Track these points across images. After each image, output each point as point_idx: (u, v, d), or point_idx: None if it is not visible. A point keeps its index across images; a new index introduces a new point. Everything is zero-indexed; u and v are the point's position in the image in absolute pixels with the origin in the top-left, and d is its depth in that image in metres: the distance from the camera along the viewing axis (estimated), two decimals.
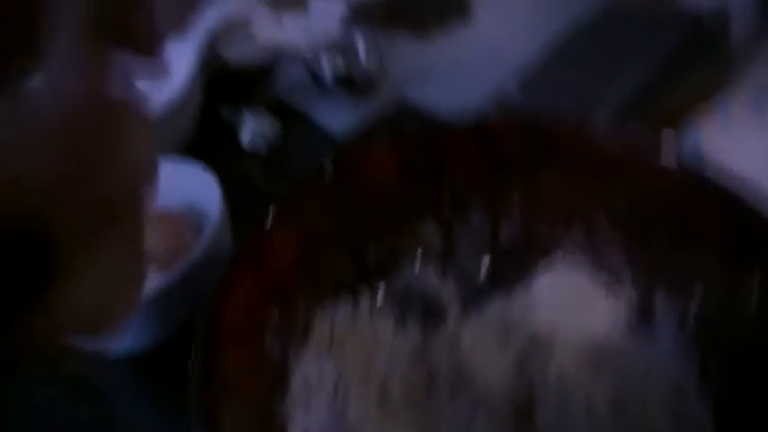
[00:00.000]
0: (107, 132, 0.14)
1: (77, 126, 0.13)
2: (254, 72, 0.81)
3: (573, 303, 0.39)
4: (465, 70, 0.73)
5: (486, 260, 0.44)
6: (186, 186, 0.53)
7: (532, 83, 0.66)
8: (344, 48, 0.71)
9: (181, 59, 0.69)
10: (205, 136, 0.71)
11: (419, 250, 0.42)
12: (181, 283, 0.44)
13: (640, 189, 0.36)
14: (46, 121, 0.12)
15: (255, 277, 0.34)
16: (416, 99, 0.69)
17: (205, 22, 0.70)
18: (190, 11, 0.68)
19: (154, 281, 0.46)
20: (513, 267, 0.43)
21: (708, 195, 0.32)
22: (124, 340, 0.46)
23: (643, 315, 0.36)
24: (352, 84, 0.68)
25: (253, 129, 0.69)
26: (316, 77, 0.70)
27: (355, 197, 0.40)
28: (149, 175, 0.17)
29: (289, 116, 0.73)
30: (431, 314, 0.42)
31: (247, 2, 0.81)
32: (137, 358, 0.48)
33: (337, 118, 0.70)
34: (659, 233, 0.35)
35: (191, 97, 0.66)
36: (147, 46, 0.19)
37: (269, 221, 0.36)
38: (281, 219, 0.37)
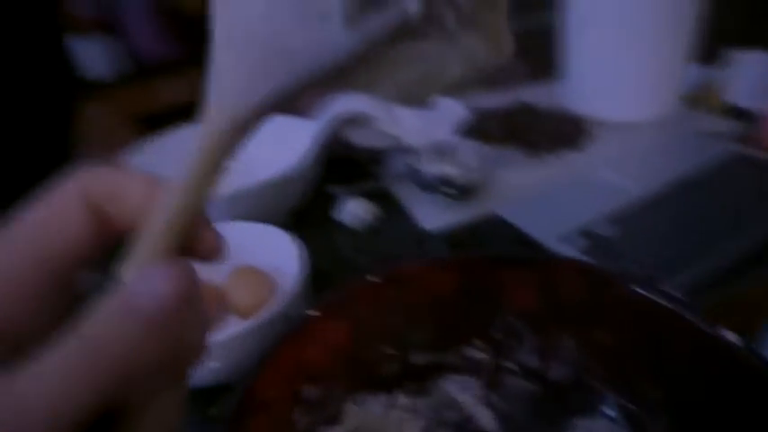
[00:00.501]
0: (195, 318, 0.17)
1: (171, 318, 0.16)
2: (364, 158, 0.88)
3: None
4: (565, 196, 0.74)
5: (529, 394, 0.43)
6: (275, 249, 0.59)
7: (627, 222, 0.65)
8: (451, 152, 0.76)
9: (305, 137, 0.78)
10: (312, 205, 0.78)
11: (464, 369, 0.43)
12: (254, 333, 0.48)
13: (692, 357, 0.34)
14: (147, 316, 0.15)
15: (300, 353, 0.37)
16: (509, 215, 0.71)
17: (331, 111, 0.78)
18: (321, 99, 0.77)
19: (234, 326, 0.51)
20: (556, 407, 0.42)
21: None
22: (197, 375, 0.51)
23: None
24: (451, 187, 0.72)
25: (352, 208, 0.75)
26: (417, 174, 0.75)
27: (411, 303, 0.42)
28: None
29: (387, 203, 0.78)
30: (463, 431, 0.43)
31: (371, 99, 0.88)
32: (196, 391, 0.52)
33: (431, 215, 0.74)
34: (700, 404, 0.34)
35: (305, 170, 0.73)
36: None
37: (325, 304, 0.40)
38: (337, 305, 0.40)
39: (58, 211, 0.18)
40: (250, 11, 0.19)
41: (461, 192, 0.72)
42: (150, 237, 0.19)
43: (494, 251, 0.50)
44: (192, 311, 0.16)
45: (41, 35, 0.89)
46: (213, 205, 0.64)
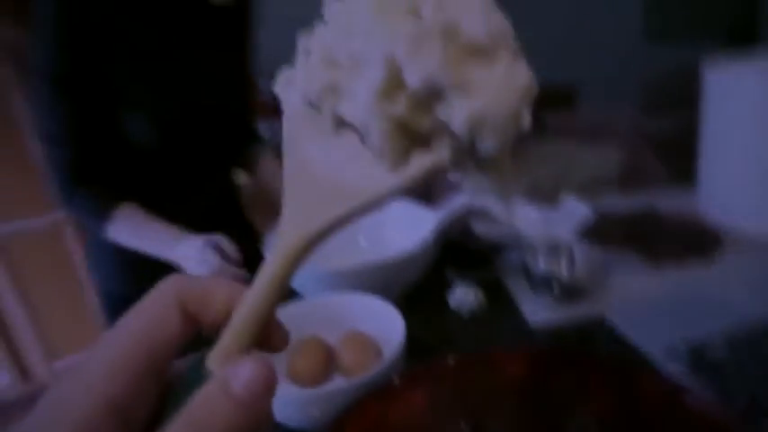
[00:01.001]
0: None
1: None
2: (483, 247, 0.93)
3: None
4: (680, 308, 0.73)
5: None
6: (384, 319, 0.66)
7: (744, 346, 0.63)
8: (565, 251, 0.78)
9: (428, 224, 0.86)
10: (426, 285, 0.85)
11: None
12: (354, 390, 0.55)
13: None
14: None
15: (382, 412, 0.43)
16: (617, 319, 0.71)
17: (455, 203, 0.86)
18: (446, 193, 0.87)
19: (338, 384, 0.59)
20: None
21: None
22: (297, 419, 0.59)
23: None
24: (558, 286, 0.74)
25: (462, 293, 0.80)
26: (528, 269, 0.78)
27: (490, 387, 0.46)
28: None
29: (497, 293, 0.82)
30: None
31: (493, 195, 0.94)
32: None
33: (537, 310, 0.76)
34: None
35: (423, 254, 0.81)
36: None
37: (412, 373, 0.45)
38: (422, 376, 0.45)
39: (158, 312, 0.23)
40: (310, 154, 0.25)
41: (568, 292, 0.74)
42: (234, 332, 0.23)
43: (579, 349, 0.53)
44: (271, 393, 0.22)
45: (237, 119, 1.06)
46: (341, 277, 0.74)
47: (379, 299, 0.69)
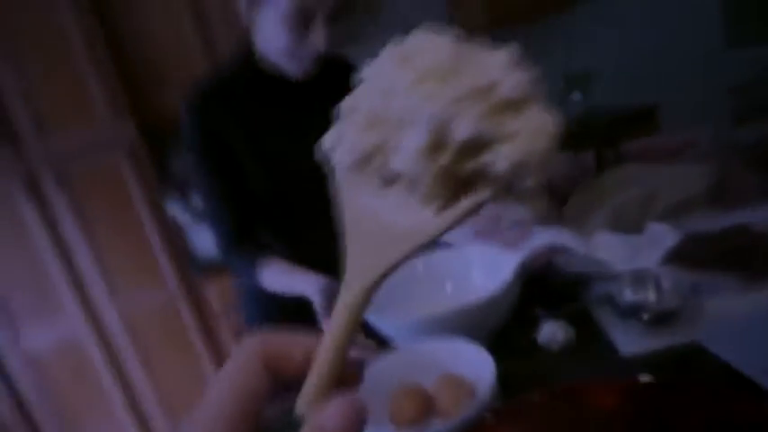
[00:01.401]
0: None
1: None
2: (568, 281, 0.94)
3: None
4: None
5: None
6: (472, 360, 0.70)
7: None
8: (653, 278, 0.78)
9: (510, 265, 0.89)
10: (514, 324, 0.87)
11: None
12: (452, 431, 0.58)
13: None
14: None
15: None
16: (713, 343, 0.70)
17: (534, 244, 0.88)
18: (525, 236, 0.90)
19: (437, 425, 0.63)
20: None
21: None
22: None
23: None
24: (647, 313, 0.74)
25: (551, 329, 0.81)
26: (615, 300, 0.79)
27: (579, 420, 0.48)
28: None
29: (587, 326, 0.83)
30: None
31: (571, 232, 0.95)
32: None
33: (628, 340, 0.76)
34: None
35: (509, 294, 0.84)
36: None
37: (501, 411, 0.48)
38: (512, 413, 0.48)
39: (244, 367, 0.26)
40: (363, 206, 0.29)
41: (658, 319, 0.73)
42: (317, 377, 0.26)
43: (674, 376, 0.53)
44: (361, 427, 0.25)
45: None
46: (432, 323, 0.78)
47: (468, 341, 0.73)
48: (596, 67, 2.89)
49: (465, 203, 0.27)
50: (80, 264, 2.03)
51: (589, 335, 0.81)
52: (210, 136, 0.94)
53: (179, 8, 2.08)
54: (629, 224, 1.25)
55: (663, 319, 0.74)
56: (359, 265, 0.28)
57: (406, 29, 0.30)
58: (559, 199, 1.36)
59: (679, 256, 0.93)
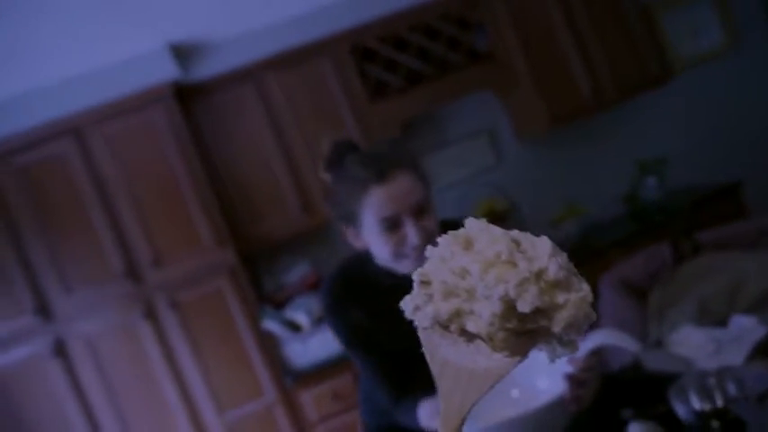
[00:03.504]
0: None
1: None
2: (652, 380, 0.96)
3: None
4: None
5: None
6: None
7: None
8: (732, 378, 0.79)
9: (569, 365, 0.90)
10: (600, 427, 0.89)
11: None
12: None
13: None
14: None
15: None
16: None
17: (585, 345, 0.90)
18: (582, 334, 0.93)
19: None
20: None
21: None
22: None
23: None
24: (718, 420, 0.74)
25: (638, 431, 0.83)
26: (683, 407, 0.79)
27: None
28: None
29: (674, 425, 0.84)
30: None
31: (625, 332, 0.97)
32: None
33: None
34: None
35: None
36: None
37: None
38: None
39: None
40: (447, 356, 0.38)
41: (731, 427, 0.73)
42: None
43: None
44: None
45: None
46: (504, 428, 0.82)
47: None
48: (670, 151, 2.89)
49: (526, 348, 0.37)
50: (190, 382, 2.21)
51: None
52: (352, 328, 1.11)
53: (270, 152, 2.39)
54: (713, 316, 1.24)
55: (733, 427, 0.74)
56: (451, 401, 0.37)
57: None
58: (639, 295, 1.37)
59: (766, 351, 0.93)
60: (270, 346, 2.28)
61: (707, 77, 3.04)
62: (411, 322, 0.39)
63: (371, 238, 1.02)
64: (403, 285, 1.12)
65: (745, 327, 1.03)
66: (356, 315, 1.10)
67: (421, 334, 0.39)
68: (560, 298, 0.35)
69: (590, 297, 0.36)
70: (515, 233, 0.38)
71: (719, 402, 0.76)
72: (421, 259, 0.98)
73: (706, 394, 0.78)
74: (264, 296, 2.50)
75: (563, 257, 0.37)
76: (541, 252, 0.37)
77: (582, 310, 0.36)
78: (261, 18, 2.46)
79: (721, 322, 1.15)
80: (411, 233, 0.97)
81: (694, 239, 1.42)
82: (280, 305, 2.43)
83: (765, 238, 1.44)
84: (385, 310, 1.01)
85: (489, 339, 0.36)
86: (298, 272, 2.52)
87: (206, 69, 2.48)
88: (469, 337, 0.37)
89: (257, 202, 2.39)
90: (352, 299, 1.10)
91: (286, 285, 2.51)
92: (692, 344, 1.03)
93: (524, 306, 0.35)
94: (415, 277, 0.39)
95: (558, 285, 0.36)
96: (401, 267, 1.03)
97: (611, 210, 2.88)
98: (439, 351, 0.38)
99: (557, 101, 2.62)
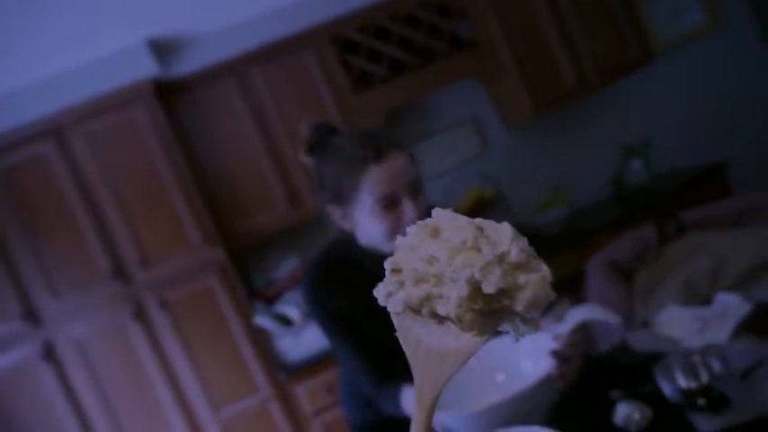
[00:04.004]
0: None
1: None
2: (638, 361, 0.97)
3: None
4: None
5: None
6: None
7: None
8: (717, 356, 0.80)
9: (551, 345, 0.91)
10: (588, 408, 0.90)
11: None
12: None
13: None
14: None
15: None
16: None
17: (571, 317, 0.90)
18: (560, 318, 0.92)
19: None
20: None
21: None
22: None
23: None
24: (704, 398, 0.75)
25: (626, 411, 0.84)
26: (669, 387, 0.80)
27: None
28: None
29: (661, 404, 0.85)
30: None
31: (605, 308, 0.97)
32: None
33: (703, 417, 0.77)
34: None
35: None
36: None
37: None
38: None
39: None
40: (419, 337, 0.40)
41: (716, 403, 0.74)
42: None
43: None
44: None
45: None
46: (491, 415, 0.82)
47: (546, 429, 0.77)
48: (654, 133, 2.91)
49: (492, 327, 0.40)
50: (183, 381, 2.20)
51: (666, 413, 0.83)
52: (333, 316, 1.09)
53: (255, 147, 2.37)
54: (699, 295, 1.25)
55: (719, 403, 0.75)
56: (425, 380, 0.40)
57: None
58: (625, 276, 1.38)
59: (752, 326, 0.94)
60: (262, 342, 2.27)
61: (689, 59, 3.05)
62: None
63: (365, 218, 1.01)
64: (372, 264, 1.10)
65: (728, 304, 1.04)
66: (338, 302, 1.08)
67: (394, 318, 0.42)
68: (522, 279, 0.38)
69: (549, 277, 0.39)
70: (479, 221, 0.41)
71: (704, 380, 0.77)
72: None
73: (691, 372, 0.79)
74: (255, 292, 2.49)
75: (524, 241, 0.39)
76: (504, 237, 0.39)
77: (542, 290, 0.38)
78: (241, 12, 2.44)
79: (706, 301, 1.16)
80: (409, 210, 0.98)
81: (678, 220, 1.43)
82: (270, 300, 2.43)
83: (746, 216, 1.46)
84: (368, 293, 1.07)
85: (458, 320, 0.38)
86: (287, 266, 2.51)
87: (187, 65, 2.46)
88: (439, 319, 0.40)
89: (244, 197, 2.37)
90: (333, 284, 1.09)
91: (276, 280, 2.51)
92: (677, 323, 1.04)
93: (489, 287, 0.37)
94: (386, 266, 0.42)
95: (519, 267, 0.38)
96: (393, 247, 1.01)
97: (598, 194, 2.90)
98: (411, 333, 0.41)
99: (541, 87, 2.62)
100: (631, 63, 2.72)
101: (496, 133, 2.88)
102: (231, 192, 2.36)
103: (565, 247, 2.42)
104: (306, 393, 2.24)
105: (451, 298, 0.38)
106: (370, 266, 1.07)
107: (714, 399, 0.75)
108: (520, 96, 2.63)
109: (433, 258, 0.39)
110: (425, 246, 0.40)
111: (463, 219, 0.41)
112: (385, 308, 0.42)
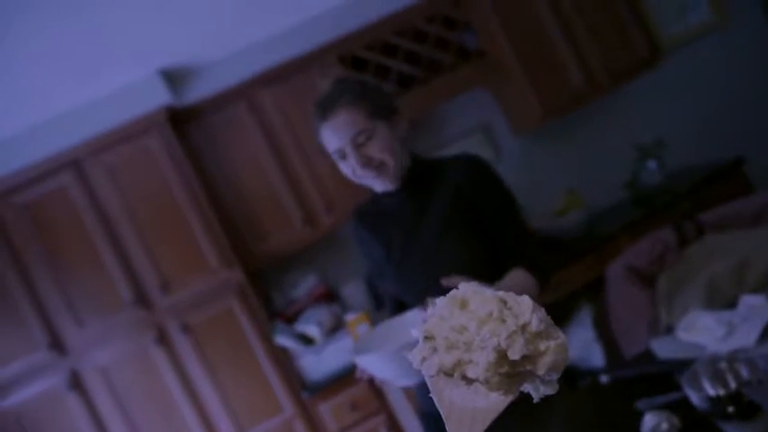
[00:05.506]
0: None
1: None
2: (664, 370, 0.95)
3: None
4: None
5: None
6: None
7: None
8: (744, 362, 0.79)
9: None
10: (616, 420, 0.88)
11: None
12: None
13: None
14: None
15: None
16: None
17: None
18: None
19: None
20: None
21: None
22: None
23: None
24: (733, 406, 0.73)
25: (654, 422, 0.83)
26: (695, 396, 0.79)
27: None
28: None
29: (688, 412, 0.83)
30: None
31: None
32: None
33: (733, 425, 0.76)
34: None
35: None
36: None
37: None
38: None
39: None
40: (452, 398, 0.45)
41: (745, 410, 0.72)
42: None
43: None
44: None
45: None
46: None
47: None
48: (667, 132, 2.88)
49: (518, 388, 0.45)
50: (208, 404, 2.21)
51: (695, 423, 0.82)
52: (361, 240, 1.31)
53: (268, 168, 2.39)
54: (722, 297, 1.23)
55: (749, 410, 0.73)
56: None
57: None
58: (646, 281, 1.36)
59: None
60: (284, 362, 2.28)
61: (698, 56, 3.03)
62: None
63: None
64: (385, 203, 1.22)
65: (754, 306, 1.02)
66: (363, 233, 1.27)
67: (428, 380, 0.47)
68: (542, 345, 0.43)
69: (566, 343, 0.44)
70: (501, 294, 0.46)
71: (732, 387, 0.75)
72: (380, 177, 1.14)
73: (718, 379, 0.77)
74: (275, 312, 2.50)
75: (542, 311, 0.45)
76: (525, 309, 0.44)
77: (561, 355, 0.43)
78: (246, 37, 2.48)
79: (731, 303, 1.14)
80: (351, 160, 1.10)
81: (696, 221, 1.41)
82: (291, 320, 2.43)
83: (765, 215, 1.43)
84: (378, 222, 1.25)
85: (486, 383, 0.43)
86: (306, 285, 2.53)
87: (198, 92, 2.50)
88: (469, 381, 0.45)
89: (260, 218, 2.39)
90: (360, 224, 1.29)
91: (295, 299, 2.52)
92: (702, 328, 1.02)
93: (514, 354, 0.43)
94: (419, 334, 0.48)
95: (539, 335, 0.43)
96: (376, 186, 1.17)
97: (613, 196, 2.87)
98: (444, 395, 0.46)
99: (549, 92, 2.61)
100: (639, 63, 2.70)
101: (508, 141, 2.87)
102: (247, 213, 2.39)
103: (584, 254, 2.40)
104: (330, 411, 2.24)
105: (480, 363, 0.43)
106: (378, 201, 1.25)
107: (743, 406, 0.74)
108: (529, 103, 2.62)
109: (463, 328, 0.45)
110: (455, 316, 0.46)
111: (489, 292, 0.46)
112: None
